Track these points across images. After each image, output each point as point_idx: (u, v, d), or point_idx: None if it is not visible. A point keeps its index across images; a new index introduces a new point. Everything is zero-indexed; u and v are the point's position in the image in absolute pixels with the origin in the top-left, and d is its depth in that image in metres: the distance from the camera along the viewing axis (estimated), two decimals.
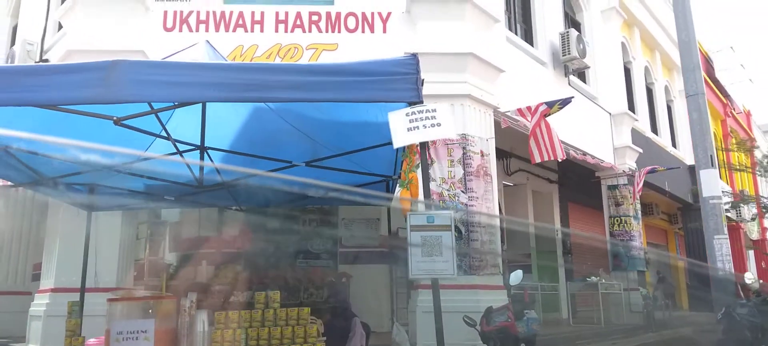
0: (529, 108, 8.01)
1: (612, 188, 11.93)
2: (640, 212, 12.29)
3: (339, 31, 7.56)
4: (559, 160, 8.31)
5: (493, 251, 8.06)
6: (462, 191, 7.65)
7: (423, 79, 3.49)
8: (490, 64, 7.70)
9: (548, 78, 10.01)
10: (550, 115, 8.09)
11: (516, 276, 6.25)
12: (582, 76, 11.52)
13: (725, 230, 6.92)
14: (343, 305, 7.89)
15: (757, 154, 25.19)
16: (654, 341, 9.93)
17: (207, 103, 4.12)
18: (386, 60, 3.39)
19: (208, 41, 4.95)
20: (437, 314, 3.52)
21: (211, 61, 4.52)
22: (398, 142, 3.37)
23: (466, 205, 7.63)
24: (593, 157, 10.69)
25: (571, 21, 11.94)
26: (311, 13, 7.59)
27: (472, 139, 7.59)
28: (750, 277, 7.34)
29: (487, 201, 7.85)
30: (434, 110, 3.33)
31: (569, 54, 10.20)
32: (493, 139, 7.97)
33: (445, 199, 7.62)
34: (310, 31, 7.53)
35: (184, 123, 4.35)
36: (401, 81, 3.26)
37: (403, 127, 3.31)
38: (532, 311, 6.52)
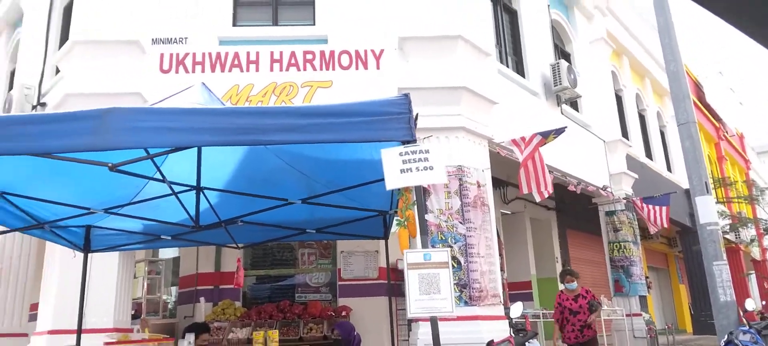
0: (523, 138, 8.08)
1: (610, 213, 11.95)
2: (639, 237, 12.29)
3: (333, 69, 7.66)
4: (543, 199, 8.41)
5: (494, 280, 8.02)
6: (460, 222, 7.66)
7: (417, 114, 3.53)
8: (484, 97, 7.79)
9: (541, 108, 10.11)
10: (545, 144, 8.16)
11: (516, 308, 6.23)
12: (574, 105, 11.64)
13: (724, 255, 6.91)
14: (348, 339, 7.84)
15: (751, 174, 25.31)
16: None
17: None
18: (379, 101, 3.44)
19: (203, 83, 5.02)
20: None
21: (206, 102, 4.58)
22: (391, 184, 3.39)
23: (464, 235, 7.63)
24: (588, 184, 10.73)
25: (561, 52, 12.12)
26: (305, 52, 7.70)
27: (468, 171, 7.63)
28: (751, 304, 7.29)
29: (485, 231, 7.86)
30: (427, 152, 3.36)
31: (560, 84, 10.33)
32: (489, 170, 8.01)
33: (443, 230, 7.63)
34: (304, 69, 7.64)
35: (179, 164, 4.38)
36: (394, 121, 3.30)
37: (396, 168, 3.34)
38: (535, 340, 6.47)
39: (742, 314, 7.22)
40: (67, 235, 5.46)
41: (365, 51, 7.77)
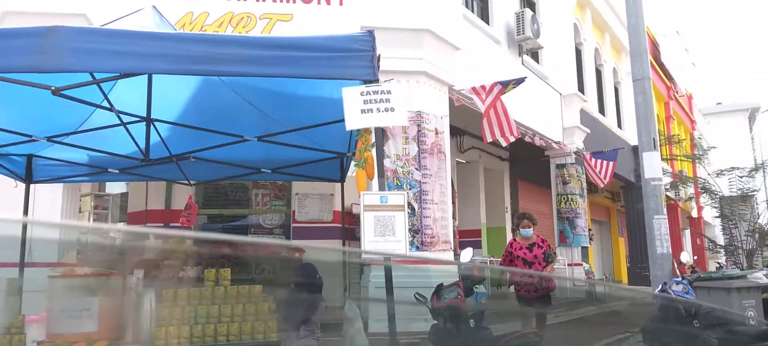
0: (483, 87, 8.10)
1: (560, 166, 12.28)
2: (585, 191, 12.72)
3: (294, 2, 7.39)
4: (512, 141, 8.48)
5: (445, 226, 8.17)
6: (416, 168, 7.71)
7: (379, 55, 3.45)
8: (447, 42, 7.71)
9: (502, 57, 10.12)
10: (504, 94, 8.20)
11: (466, 254, 6.37)
12: (535, 56, 11.71)
13: (664, 210, 7.24)
14: (308, 283, 7.85)
15: (696, 135, 26.43)
16: (594, 313, 10.37)
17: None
18: (342, 36, 3.33)
19: (154, 6, 4.73)
20: (389, 291, 3.55)
21: (157, 28, 4.33)
22: (351, 124, 3.33)
23: (419, 182, 7.70)
24: (543, 137, 10.94)
25: (527, 0, 12.08)
26: None
27: (427, 117, 7.63)
28: (686, 256, 7.73)
29: (440, 178, 7.94)
30: (389, 92, 3.30)
31: (523, 34, 10.34)
32: (448, 117, 8.03)
33: (399, 176, 7.67)
34: (264, 0, 7.33)
35: (128, 92, 4.16)
36: (357, 58, 3.21)
37: (356, 108, 3.28)
38: (481, 286, 6.67)
39: (676, 266, 7.65)
40: (8, 163, 5.18)
41: None
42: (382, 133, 3.62)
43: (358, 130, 3.61)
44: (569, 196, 12.28)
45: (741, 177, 15.26)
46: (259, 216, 9.87)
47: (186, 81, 4.18)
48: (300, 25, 7.22)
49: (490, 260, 11.63)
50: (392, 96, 3.34)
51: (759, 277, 8.11)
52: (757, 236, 15.14)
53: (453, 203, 10.83)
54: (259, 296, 4.34)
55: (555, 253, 6.80)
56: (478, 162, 12.35)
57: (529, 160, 12.76)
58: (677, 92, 24.83)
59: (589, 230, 14.18)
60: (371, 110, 3.26)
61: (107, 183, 10.47)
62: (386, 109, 3.28)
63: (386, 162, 7.68)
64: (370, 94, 3.29)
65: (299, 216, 9.59)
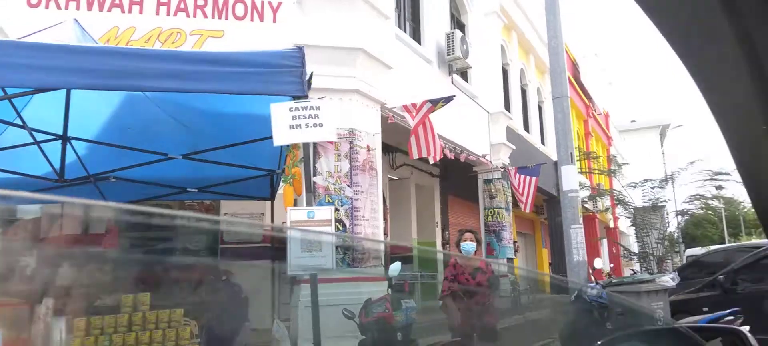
0: (414, 105, 8.25)
1: (487, 182, 12.67)
2: (511, 205, 13.17)
3: (226, 18, 7.25)
4: (436, 161, 8.69)
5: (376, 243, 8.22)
6: (348, 185, 7.72)
7: (312, 73, 3.45)
8: (379, 60, 7.82)
9: (433, 76, 10.37)
10: (434, 111, 8.40)
11: (394, 268, 6.42)
12: (464, 75, 12.07)
13: (581, 220, 7.64)
14: (232, 306, 7.60)
15: (612, 150, 28.06)
16: (519, 323, 10.70)
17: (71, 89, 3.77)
18: (271, 52, 3.31)
19: (76, 20, 4.52)
20: (315, 308, 3.52)
21: (77, 42, 4.13)
22: (279, 140, 3.31)
23: (351, 198, 7.71)
24: (471, 153, 11.27)
25: (457, 22, 12.47)
26: None
27: (359, 134, 7.67)
28: (599, 263, 8.18)
29: (371, 195, 7.99)
30: (318, 108, 3.31)
31: (453, 54, 10.65)
32: (380, 135, 8.11)
33: (330, 193, 7.65)
34: (194, 16, 7.14)
35: (43, 108, 3.93)
36: (286, 74, 3.20)
37: (285, 124, 3.26)
38: (411, 299, 6.76)
39: (591, 272, 8.08)
40: None
41: (262, 2, 7.43)
42: (312, 152, 3.62)
43: (287, 146, 3.59)
44: (496, 210, 12.68)
45: (652, 188, 16.38)
46: (185, 238, 9.51)
47: (107, 97, 4.01)
48: (231, 42, 7.09)
49: (420, 275, 11.79)
50: (321, 112, 3.35)
51: (666, 280, 8.73)
52: (666, 243, 16.24)
53: (385, 219, 10.91)
54: (180, 321, 4.17)
55: (498, 278, 5.73)
56: (409, 179, 12.53)
57: (458, 176, 13.08)
58: (596, 110, 26.31)
59: (515, 242, 14.68)
60: (300, 126, 3.26)
61: (18, 207, 9.77)
62: (315, 125, 3.29)
63: (318, 179, 7.65)
64: (298, 110, 3.29)
65: (227, 237, 9.33)
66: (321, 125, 3.35)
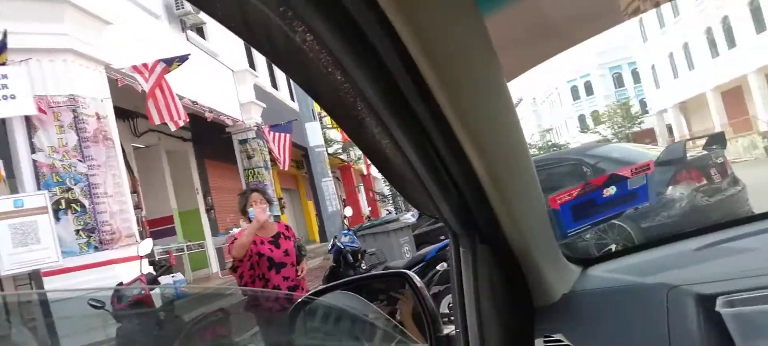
0: (145, 65, 7.62)
1: (243, 142, 12.51)
2: (269, 163, 13.26)
3: None
4: (177, 127, 8.22)
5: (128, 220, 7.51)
6: (79, 160, 6.86)
7: (5, 30, 2.88)
8: (94, 15, 6.96)
9: (165, 33, 9.67)
10: (169, 72, 7.87)
11: (145, 246, 5.99)
12: (201, 32, 11.51)
13: (329, 172, 8.06)
14: None
15: None
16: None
17: None
18: None
19: None
20: (45, 308, 3.09)
21: None
22: None
23: (86, 174, 6.87)
24: (220, 113, 10.94)
25: None
26: None
27: (84, 101, 6.83)
28: (349, 211, 8.83)
29: (111, 168, 7.25)
30: (5, 76, 2.80)
31: (183, 8, 10.04)
32: (110, 100, 7.34)
33: (58, 171, 6.70)
34: None
35: None
36: None
37: None
38: (178, 273, 6.44)
39: (344, 219, 8.68)
40: None
41: None
42: (26, 123, 3.07)
43: None
44: (255, 169, 12.64)
45: None
46: None
47: None
48: None
49: (187, 246, 11.21)
50: (11, 80, 2.84)
51: (408, 218, 9.88)
52: None
53: (136, 192, 10.00)
54: None
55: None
56: (158, 145, 11.63)
57: (212, 139, 12.62)
58: None
59: (280, 199, 14.91)
60: None
61: None
62: (4, 97, 2.78)
63: (39, 156, 6.61)
64: None
65: None
66: (13, 97, 2.84)
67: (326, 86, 0.64)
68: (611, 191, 1.10)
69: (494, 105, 0.68)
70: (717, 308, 0.81)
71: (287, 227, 4.31)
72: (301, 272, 4.15)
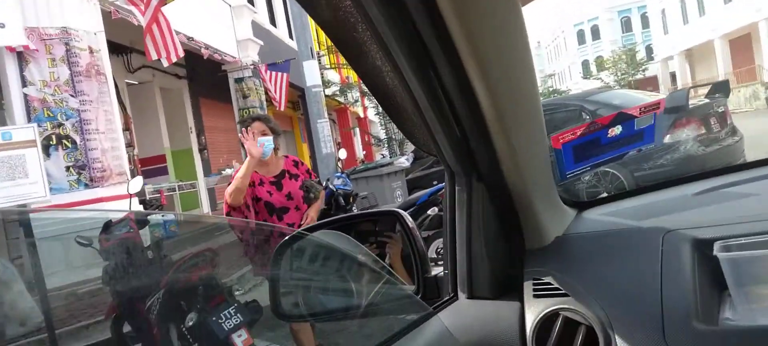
0: None
1: (238, 81, 12.28)
2: (265, 103, 13.09)
3: None
4: (171, 63, 8.05)
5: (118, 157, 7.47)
6: (71, 95, 6.77)
7: None
8: None
9: None
10: (166, 4, 7.66)
11: (135, 183, 5.97)
12: None
13: (325, 114, 7.98)
14: None
15: None
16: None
17: None
18: None
19: None
20: (30, 246, 3.08)
21: None
22: None
23: (77, 110, 6.79)
24: (217, 50, 10.71)
25: None
26: None
27: (77, 34, 6.69)
28: (343, 153, 8.81)
29: (103, 103, 7.16)
30: None
31: None
32: (104, 33, 7.17)
33: (50, 106, 6.62)
34: None
35: None
36: None
37: None
38: (170, 213, 6.45)
39: (338, 162, 8.66)
40: None
41: None
42: (18, 57, 2.97)
43: None
44: (250, 109, 12.44)
45: None
46: None
47: None
48: None
49: (179, 186, 11.20)
50: (0, 9, 2.73)
51: (402, 162, 9.86)
52: None
53: (128, 129, 9.91)
54: None
55: (319, 183, 4.08)
56: (152, 82, 11.44)
57: (207, 77, 12.40)
58: None
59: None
60: None
61: None
62: None
63: (30, 90, 6.52)
64: None
65: None
66: (2, 26, 2.74)
67: (326, 2, 0.60)
68: (617, 130, 1.07)
69: (506, 30, 0.64)
70: (714, 253, 0.79)
71: (297, 163, 3.52)
72: (306, 218, 3.34)
